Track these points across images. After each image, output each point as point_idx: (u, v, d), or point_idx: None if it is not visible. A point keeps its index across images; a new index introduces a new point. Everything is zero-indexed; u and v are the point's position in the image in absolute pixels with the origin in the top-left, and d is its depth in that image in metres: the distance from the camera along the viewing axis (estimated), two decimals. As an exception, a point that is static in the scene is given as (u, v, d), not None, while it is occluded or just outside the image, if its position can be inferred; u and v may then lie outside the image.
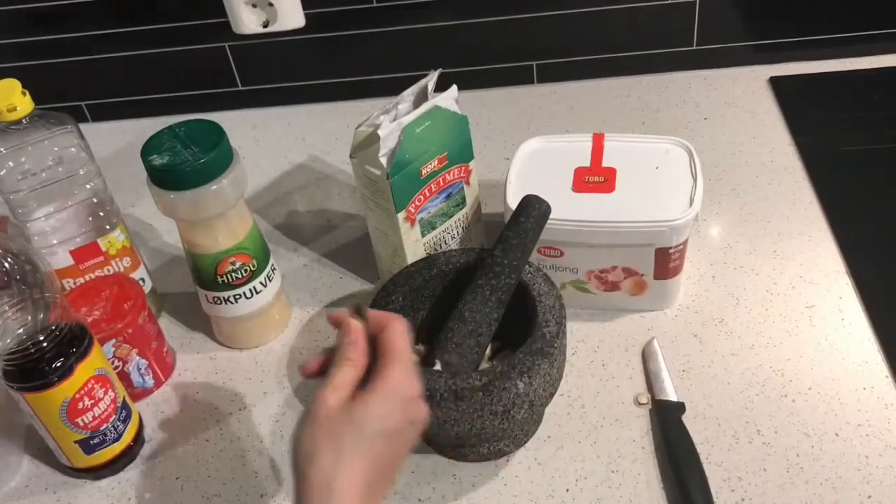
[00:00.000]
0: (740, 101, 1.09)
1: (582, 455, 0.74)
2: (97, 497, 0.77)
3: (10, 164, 0.78)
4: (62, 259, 0.84)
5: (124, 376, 0.81)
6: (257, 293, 0.83)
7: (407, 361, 0.57)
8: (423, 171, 0.80)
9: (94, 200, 0.84)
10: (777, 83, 1.10)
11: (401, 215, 0.80)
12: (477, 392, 0.65)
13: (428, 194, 0.82)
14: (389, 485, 0.57)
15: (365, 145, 0.79)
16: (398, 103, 0.81)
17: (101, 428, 0.75)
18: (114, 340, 0.79)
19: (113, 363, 0.80)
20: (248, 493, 0.75)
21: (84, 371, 0.72)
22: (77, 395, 0.72)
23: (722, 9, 1.08)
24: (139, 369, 0.82)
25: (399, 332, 0.58)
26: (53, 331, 0.70)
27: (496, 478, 0.73)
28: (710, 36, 1.11)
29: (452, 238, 0.87)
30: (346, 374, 0.56)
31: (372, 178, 0.79)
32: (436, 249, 0.86)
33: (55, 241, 0.83)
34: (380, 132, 0.76)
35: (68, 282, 0.86)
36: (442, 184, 0.82)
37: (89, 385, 0.73)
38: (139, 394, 0.84)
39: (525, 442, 0.75)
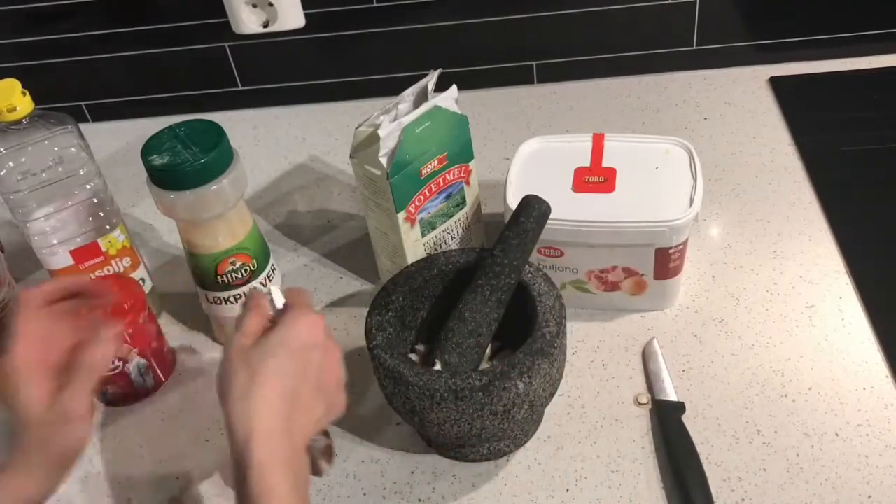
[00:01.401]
0: (740, 101, 1.09)
1: (582, 455, 0.74)
2: (97, 497, 0.77)
3: (10, 164, 0.78)
4: (62, 259, 0.84)
5: (124, 376, 0.81)
6: (257, 293, 0.83)
7: (308, 305, 0.64)
8: (424, 171, 0.80)
9: (94, 200, 0.84)
10: (777, 83, 1.10)
11: (401, 215, 0.80)
12: (477, 392, 0.65)
13: (428, 194, 0.82)
14: (311, 419, 0.60)
15: (365, 145, 0.79)
16: (398, 103, 0.81)
17: None
18: (114, 340, 0.79)
19: (113, 363, 0.80)
20: (248, 493, 0.75)
21: None
22: None
23: (722, 9, 1.08)
24: (139, 369, 0.82)
25: (301, 290, 0.65)
26: (1, 302, 0.73)
27: (496, 478, 0.73)
28: (710, 36, 1.11)
29: (452, 238, 0.87)
30: (253, 321, 0.61)
31: (372, 178, 0.79)
32: (436, 249, 0.86)
33: (55, 241, 0.83)
34: (380, 132, 0.76)
35: (68, 282, 0.86)
36: (442, 184, 0.82)
37: None
38: (139, 394, 0.84)
39: (525, 442, 0.75)
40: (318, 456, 0.65)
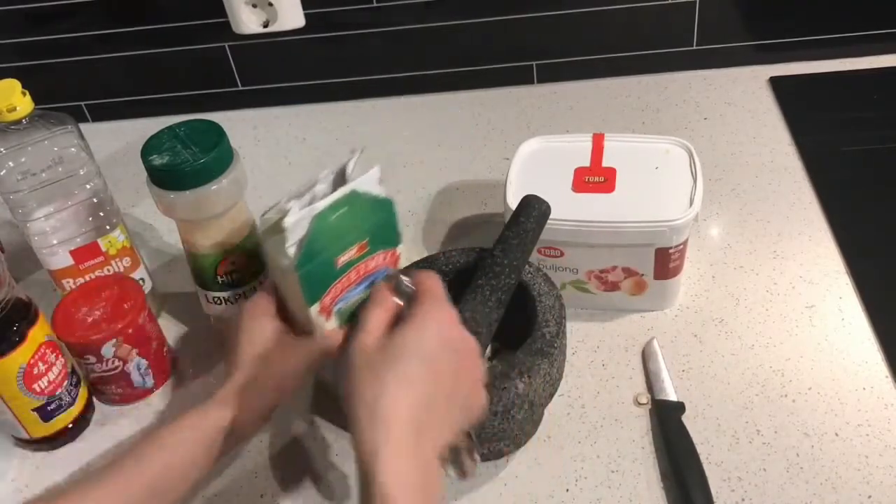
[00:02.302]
0: (740, 101, 1.09)
1: (582, 455, 0.74)
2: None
3: (10, 164, 0.78)
4: (62, 259, 0.84)
5: (124, 376, 0.81)
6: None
7: (440, 296, 0.59)
8: (340, 261, 0.69)
9: (94, 200, 0.84)
10: (777, 83, 1.10)
11: (314, 308, 0.69)
12: (477, 392, 0.65)
13: (346, 284, 0.70)
14: (446, 427, 0.56)
15: (273, 232, 0.68)
16: (314, 185, 0.70)
17: (57, 393, 0.77)
18: (114, 340, 0.79)
19: (113, 363, 0.80)
20: (248, 494, 0.75)
21: (35, 336, 0.74)
22: (32, 361, 0.74)
23: (722, 9, 1.08)
24: (139, 369, 0.82)
25: (431, 275, 0.61)
26: (1, 302, 0.72)
27: (496, 478, 0.73)
28: (710, 36, 1.11)
29: None
30: (377, 316, 0.58)
31: (281, 268, 0.69)
32: None
33: (55, 241, 0.83)
34: (285, 221, 0.65)
35: (68, 282, 0.86)
36: (363, 272, 0.71)
37: (42, 350, 0.75)
38: (139, 394, 0.84)
39: (525, 442, 0.75)
40: (463, 457, 0.60)
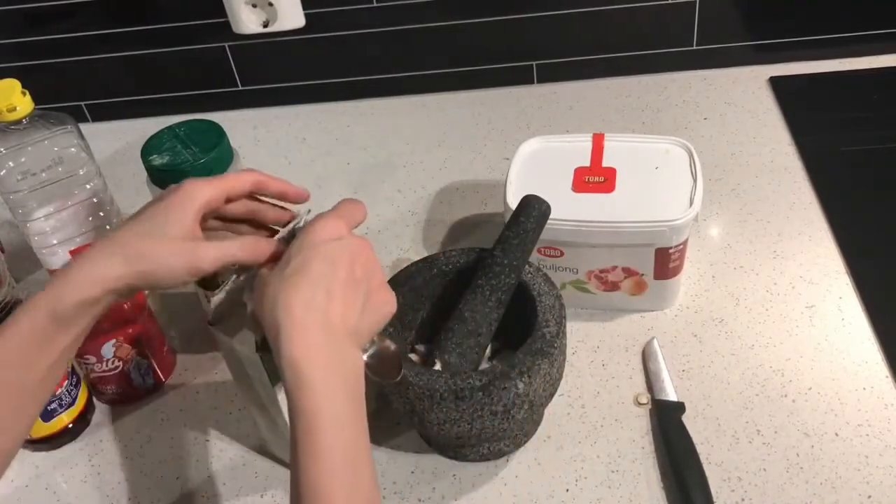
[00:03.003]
0: (740, 101, 1.09)
1: (582, 455, 0.74)
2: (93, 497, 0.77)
3: (10, 164, 0.78)
4: (62, 259, 0.84)
5: (124, 376, 0.81)
6: (257, 293, 0.83)
7: (333, 213, 0.61)
8: None
9: (94, 200, 0.83)
10: (777, 83, 1.10)
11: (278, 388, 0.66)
12: (477, 392, 0.65)
13: None
14: (352, 311, 0.56)
15: (228, 313, 0.66)
16: None
17: (57, 393, 0.77)
18: (114, 340, 0.79)
19: (113, 363, 0.80)
20: (248, 494, 0.75)
21: None
22: None
23: (722, 9, 1.08)
24: (139, 369, 0.82)
25: (349, 204, 0.62)
26: (1, 302, 0.72)
27: (496, 478, 0.73)
28: (710, 36, 1.11)
29: None
30: (280, 248, 0.60)
31: (239, 353, 0.66)
32: None
33: (55, 241, 0.83)
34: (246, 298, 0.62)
35: (68, 282, 0.85)
36: None
37: None
38: (139, 394, 0.84)
39: (525, 442, 0.75)
40: (386, 361, 0.62)
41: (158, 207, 0.60)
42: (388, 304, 0.59)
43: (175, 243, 0.58)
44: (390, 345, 0.62)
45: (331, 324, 0.54)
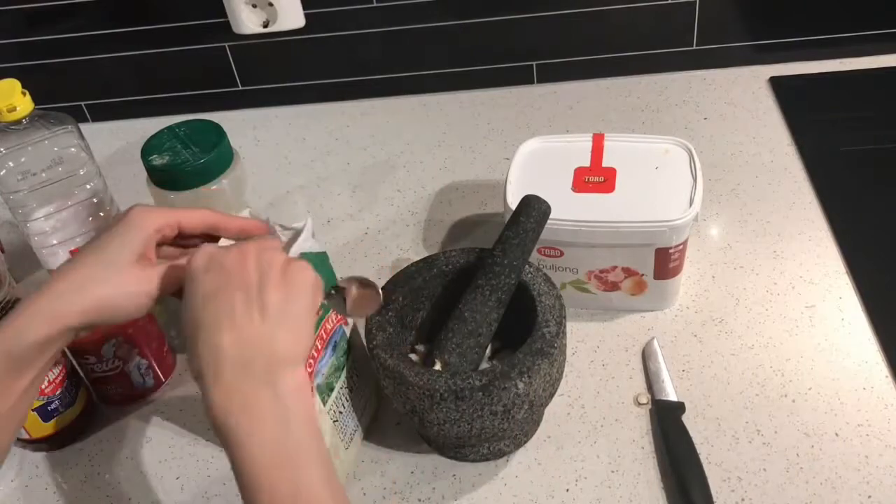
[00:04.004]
0: (740, 101, 1.09)
1: (582, 455, 0.74)
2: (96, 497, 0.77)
3: (10, 164, 0.78)
4: (62, 259, 0.84)
5: (124, 376, 0.81)
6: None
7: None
8: None
9: (94, 200, 0.84)
10: (777, 83, 1.10)
11: None
12: (477, 392, 0.65)
13: (316, 354, 0.67)
14: (261, 322, 0.54)
15: None
16: None
17: (57, 393, 0.77)
18: (114, 340, 0.79)
19: (113, 363, 0.80)
20: (248, 493, 0.75)
21: None
22: None
23: (722, 9, 1.08)
24: (139, 369, 0.82)
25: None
26: (1, 302, 0.73)
27: (496, 478, 0.73)
28: (710, 36, 1.11)
29: (351, 391, 0.73)
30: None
31: None
32: (340, 413, 0.71)
33: (55, 241, 0.83)
34: None
35: (68, 282, 0.85)
36: (325, 336, 0.68)
37: None
38: (139, 394, 0.84)
39: (525, 442, 0.75)
40: (361, 299, 0.61)
41: (108, 236, 0.59)
42: (302, 271, 0.56)
43: (130, 269, 0.58)
44: (352, 283, 0.62)
45: (244, 359, 0.53)
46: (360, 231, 0.98)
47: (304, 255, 0.66)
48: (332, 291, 0.64)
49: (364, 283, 0.65)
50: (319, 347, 0.68)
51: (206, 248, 0.57)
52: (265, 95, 1.18)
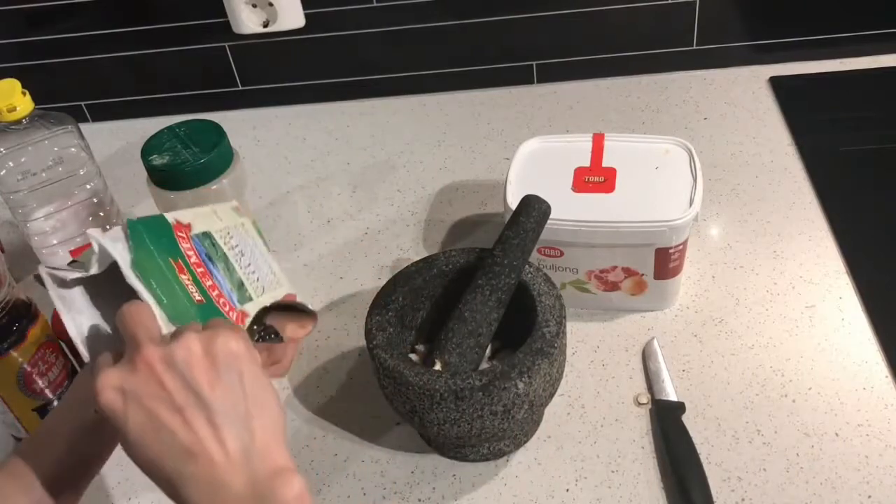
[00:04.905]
0: (740, 101, 1.09)
1: (582, 455, 0.74)
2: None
3: (10, 164, 0.78)
4: (62, 259, 0.84)
5: (124, 376, 0.81)
6: (257, 293, 0.83)
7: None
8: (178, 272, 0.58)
9: (94, 200, 0.84)
10: (777, 83, 1.10)
11: (251, 306, 0.62)
12: (477, 392, 0.65)
13: (206, 277, 0.60)
14: (184, 429, 0.48)
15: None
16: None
17: (57, 393, 0.77)
18: (114, 340, 0.79)
19: (113, 363, 0.80)
20: (248, 493, 0.75)
21: (35, 336, 0.75)
22: (32, 361, 0.74)
23: (722, 9, 1.08)
24: (139, 369, 0.82)
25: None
26: (1, 302, 0.72)
27: (496, 478, 0.73)
28: (710, 36, 1.11)
29: (265, 263, 0.68)
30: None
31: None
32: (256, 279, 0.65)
33: (55, 241, 0.83)
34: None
35: (68, 282, 0.86)
36: (194, 258, 0.60)
37: (42, 350, 0.75)
38: (139, 394, 0.84)
39: (525, 442, 0.75)
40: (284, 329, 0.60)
41: None
42: (225, 344, 0.50)
43: None
44: (279, 317, 0.61)
45: (230, 490, 0.47)
46: (360, 231, 0.98)
47: (133, 236, 0.57)
48: (263, 334, 0.61)
49: (288, 308, 0.63)
50: (203, 272, 0.60)
51: (106, 381, 0.49)
52: (265, 95, 1.18)
